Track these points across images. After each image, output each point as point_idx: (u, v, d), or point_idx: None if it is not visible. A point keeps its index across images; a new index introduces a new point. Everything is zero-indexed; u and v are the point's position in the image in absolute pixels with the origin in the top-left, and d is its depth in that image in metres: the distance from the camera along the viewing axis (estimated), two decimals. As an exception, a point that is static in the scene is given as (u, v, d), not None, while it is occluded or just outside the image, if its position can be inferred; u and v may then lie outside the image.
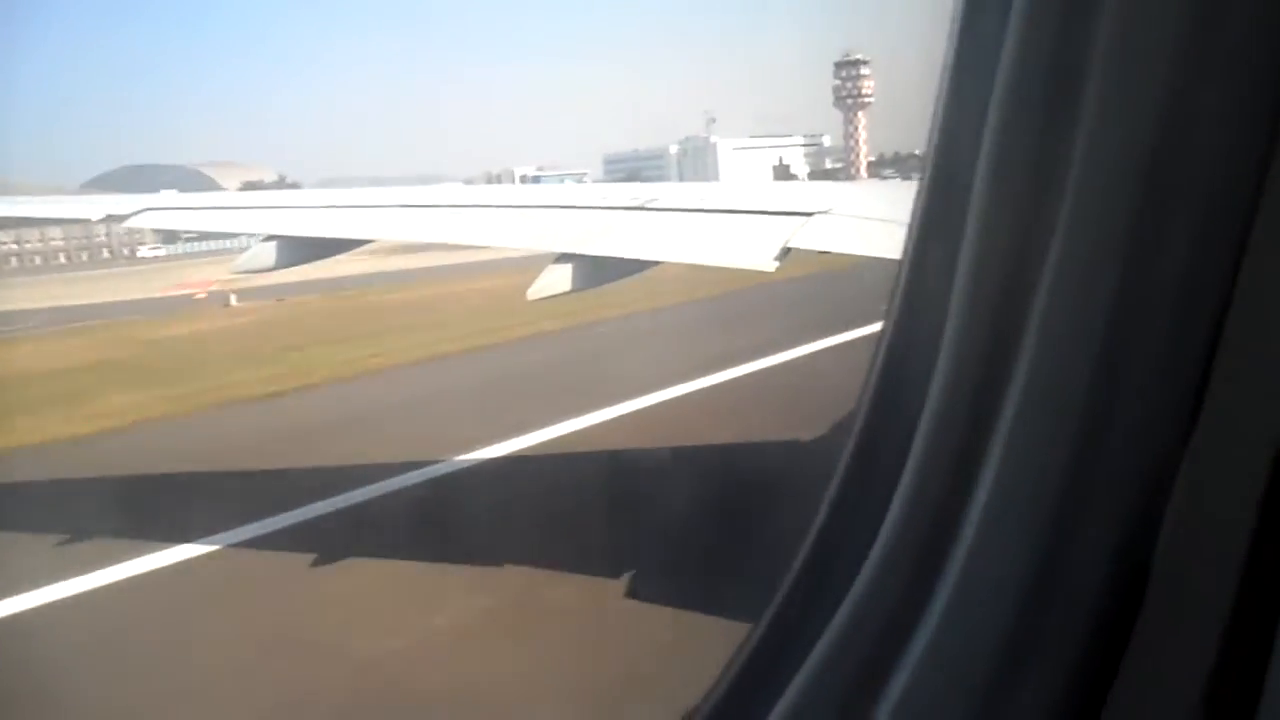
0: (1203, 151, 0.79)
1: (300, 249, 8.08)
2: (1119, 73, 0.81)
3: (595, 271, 7.08)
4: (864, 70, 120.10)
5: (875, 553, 1.02)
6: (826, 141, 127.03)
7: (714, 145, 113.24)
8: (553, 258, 7.12)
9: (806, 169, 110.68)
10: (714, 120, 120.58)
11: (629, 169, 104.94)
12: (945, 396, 0.96)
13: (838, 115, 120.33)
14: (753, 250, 6.47)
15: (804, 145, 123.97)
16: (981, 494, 0.91)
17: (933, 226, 1.04)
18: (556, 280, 6.98)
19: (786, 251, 6.30)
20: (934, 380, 0.97)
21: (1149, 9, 0.80)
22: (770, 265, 6.28)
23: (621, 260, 7.02)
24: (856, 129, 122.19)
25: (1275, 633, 0.77)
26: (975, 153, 0.92)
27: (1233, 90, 0.78)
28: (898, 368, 1.09)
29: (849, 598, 1.03)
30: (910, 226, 1.07)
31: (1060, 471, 0.87)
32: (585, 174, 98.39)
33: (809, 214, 6.73)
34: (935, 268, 1.00)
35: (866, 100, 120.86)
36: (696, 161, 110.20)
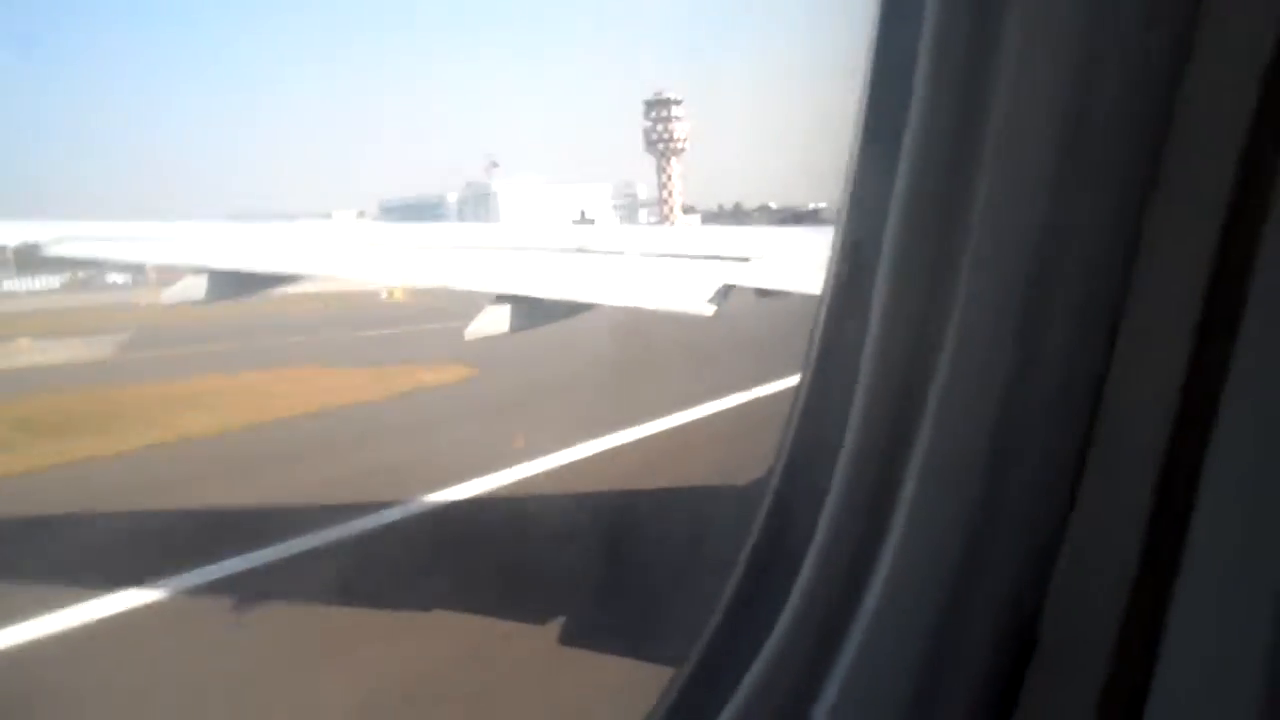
0: (1098, 159, 0.86)
1: (231, 284, 7.97)
2: (1020, 95, 0.87)
3: (534, 313, 7.16)
4: (676, 111, 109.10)
5: (803, 576, 1.08)
6: (641, 191, 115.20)
7: (494, 193, 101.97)
8: (491, 298, 7.18)
9: (615, 218, 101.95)
10: (495, 165, 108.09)
11: (407, 215, 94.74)
12: (860, 437, 1.03)
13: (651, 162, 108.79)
14: (689, 293, 6.62)
15: (616, 193, 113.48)
16: (878, 580, 0.99)
17: (845, 282, 1.10)
18: (494, 321, 7.03)
19: (727, 291, 6.47)
20: (856, 400, 1.03)
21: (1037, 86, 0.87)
22: (708, 309, 6.45)
23: (560, 303, 7.11)
24: (669, 177, 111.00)
25: (1147, 693, 0.86)
26: (884, 209, 0.98)
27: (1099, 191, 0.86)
28: (814, 421, 1.15)
29: (786, 610, 1.09)
30: (825, 281, 1.14)
31: (961, 527, 0.95)
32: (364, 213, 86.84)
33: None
34: (848, 325, 1.07)
35: (679, 145, 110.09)
36: (478, 209, 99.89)
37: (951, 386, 0.94)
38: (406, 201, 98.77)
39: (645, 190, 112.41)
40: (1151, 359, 0.87)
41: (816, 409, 1.16)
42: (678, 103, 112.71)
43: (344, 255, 8.67)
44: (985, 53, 0.88)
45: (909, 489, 0.98)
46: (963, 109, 0.90)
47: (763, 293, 6.98)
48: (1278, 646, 0.78)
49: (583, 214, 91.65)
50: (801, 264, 6.83)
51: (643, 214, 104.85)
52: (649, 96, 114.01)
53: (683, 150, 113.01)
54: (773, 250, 7.22)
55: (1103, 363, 0.89)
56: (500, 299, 7.07)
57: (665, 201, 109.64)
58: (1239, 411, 0.82)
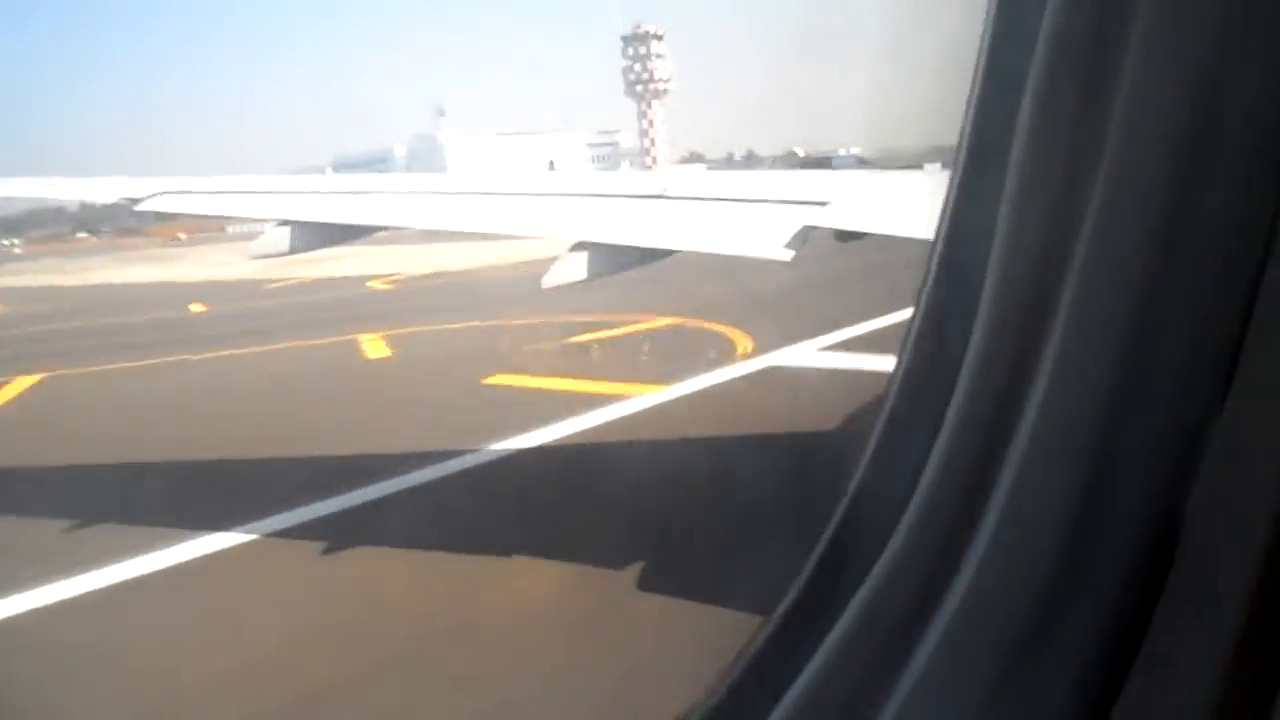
0: (1237, 139, 0.81)
1: (316, 234, 8.14)
2: (1155, 61, 0.83)
3: (611, 259, 7.14)
4: (657, 48, 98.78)
5: (889, 551, 1.04)
6: (625, 139, 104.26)
7: (441, 146, 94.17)
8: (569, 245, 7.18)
9: (590, 170, 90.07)
10: (442, 114, 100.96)
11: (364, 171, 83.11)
12: (975, 378, 0.98)
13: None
14: (767, 238, 6.52)
15: (594, 142, 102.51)
16: (1005, 482, 0.94)
17: (966, 207, 1.06)
18: (572, 268, 7.04)
19: (806, 236, 6.36)
20: (964, 365, 0.99)
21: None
22: (786, 254, 6.34)
23: (639, 249, 7.08)
24: (651, 123, 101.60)
25: None
26: (1009, 136, 0.94)
27: (1265, 88, 0.79)
28: (925, 362, 1.11)
29: (857, 598, 1.05)
30: (943, 210, 1.09)
31: (1086, 455, 0.89)
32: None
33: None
34: (967, 254, 1.02)
35: (662, 86, 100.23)
36: (430, 162, 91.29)
37: (1057, 380, 0.90)
38: (360, 157, 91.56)
39: (633, 140, 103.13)
40: (1270, 391, 0.82)
41: (914, 388, 1.12)
42: (659, 38, 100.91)
43: (419, 205, 8.76)
44: (1116, 23, 0.84)
45: (1004, 485, 0.94)
46: (1087, 80, 0.87)
47: (845, 236, 6.84)
48: None
49: (551, 165, 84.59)
50: (881, 207, 6.65)
51: (625, 165, 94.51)
52: (626, 31, 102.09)
53: (665, 92, 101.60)
54: (837, 194, 7.02)
55: (1232, 347, 0.84)
56: (578, 246, 7.08)
57: (648, 151, 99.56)
58: None
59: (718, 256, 7.05)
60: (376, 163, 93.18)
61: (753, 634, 1.18)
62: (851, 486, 1.16)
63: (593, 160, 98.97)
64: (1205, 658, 0.84)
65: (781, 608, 1.17)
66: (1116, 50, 0.84)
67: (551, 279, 7.08)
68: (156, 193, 9.53)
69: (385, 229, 9.05)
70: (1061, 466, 0.91)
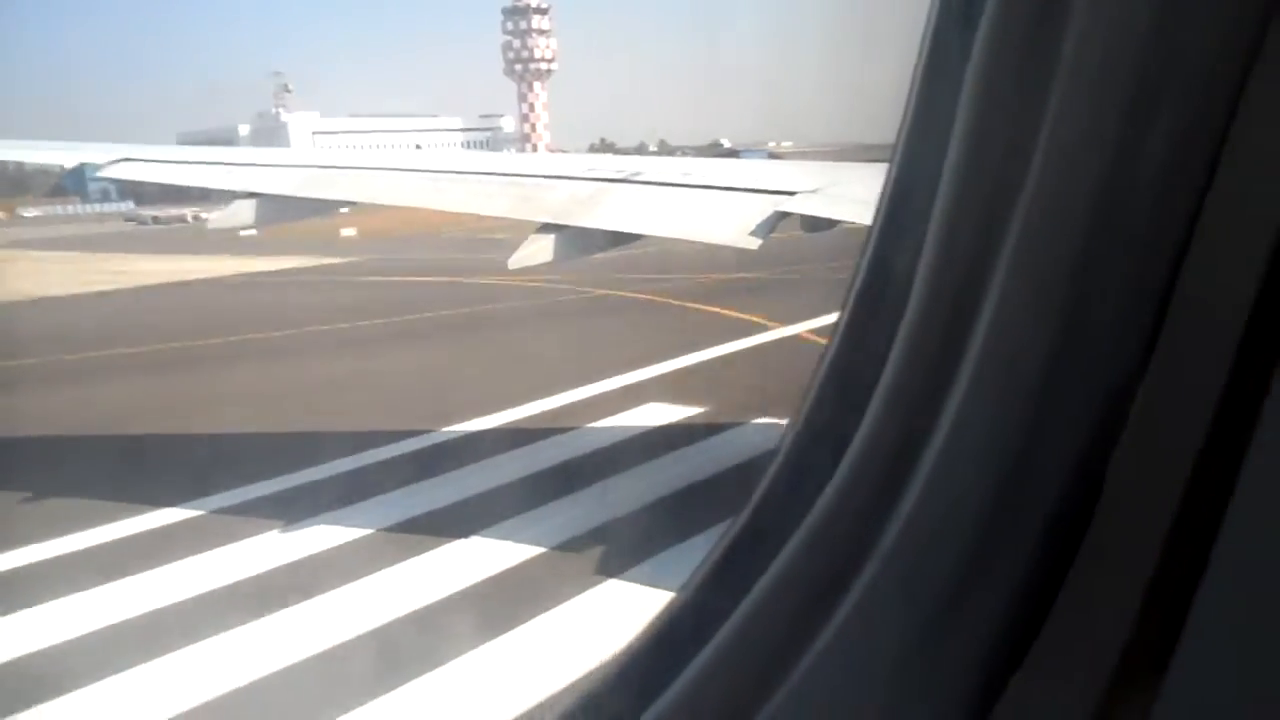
0: (1159, 145, 0.83)
1: (280, 208, 8.01)
2: (1085, 71, 0.85)
3: (579, 242, 7.07)
4: (539, 22, 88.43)
5: (808, 522, 1.05)
6: (508, 125, 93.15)
7: (284, 125, 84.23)
8: (534, 227, 7.10)
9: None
10: (288, 90, 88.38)
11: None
12: (906, 355, 0.99)
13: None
14: (735, 226, 6.48)
15: (471, 128, 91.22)
16: (928, 459, 0.95)
17: (901, 197, 1.07)
18: (538, 250, 6.97)
19: (773, 224, 6.33)
20: (896, 337, 1.00)
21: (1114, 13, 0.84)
22: (753, 243, 6.31)
23: (604, 232, 7.02)
24: (531, 106, 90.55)
25: (1211, 546, 0.81)
26: (947, 127, 0.95)
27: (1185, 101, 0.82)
28: (857, 330, 1.11)
29: (771, 570, 1.06)
30: (879, 198, 1.10)
31: (1023, 396, 0.91)
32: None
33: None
34: (905, 229, 1.03)
35: (544, 66, 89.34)
36: (272, 143, 76.99)
37: (985, 362, 0.92)
38: (204, 134, 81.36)
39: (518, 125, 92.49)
40: (1195, 352, 0.84)
41: (841, 375, 1.12)
42: (542, 11, 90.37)
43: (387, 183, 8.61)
44: (1049, 31, 0.86)
45: (926, 466, 0.95)
46: (1029, 56, 0.88)
47: (814, 224, 6.82)
48: None
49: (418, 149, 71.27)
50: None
51: (507, 152, 78.90)
52: (508, 2, 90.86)
53: (548, 72, 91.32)
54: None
55: (1142, 357, 0.87)
56: (545, 228, 7.01)
57: (528, 137, 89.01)
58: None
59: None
60: (221, 141, 78.49)
61: (664, 606, 1.17)
62: (776, 458, 1.16)
63: (466, 147, 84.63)
64: (1108, 632, 0.87)
65: (693, 580, 1.17)
66: (1054, 40, 0.85)
67: (518, 260, 7.01)
68: (119, 159, 9.35)
69: (355, 204, 8.92)
70: (984, 442, 0.93)
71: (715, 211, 6.93)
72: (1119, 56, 0.84)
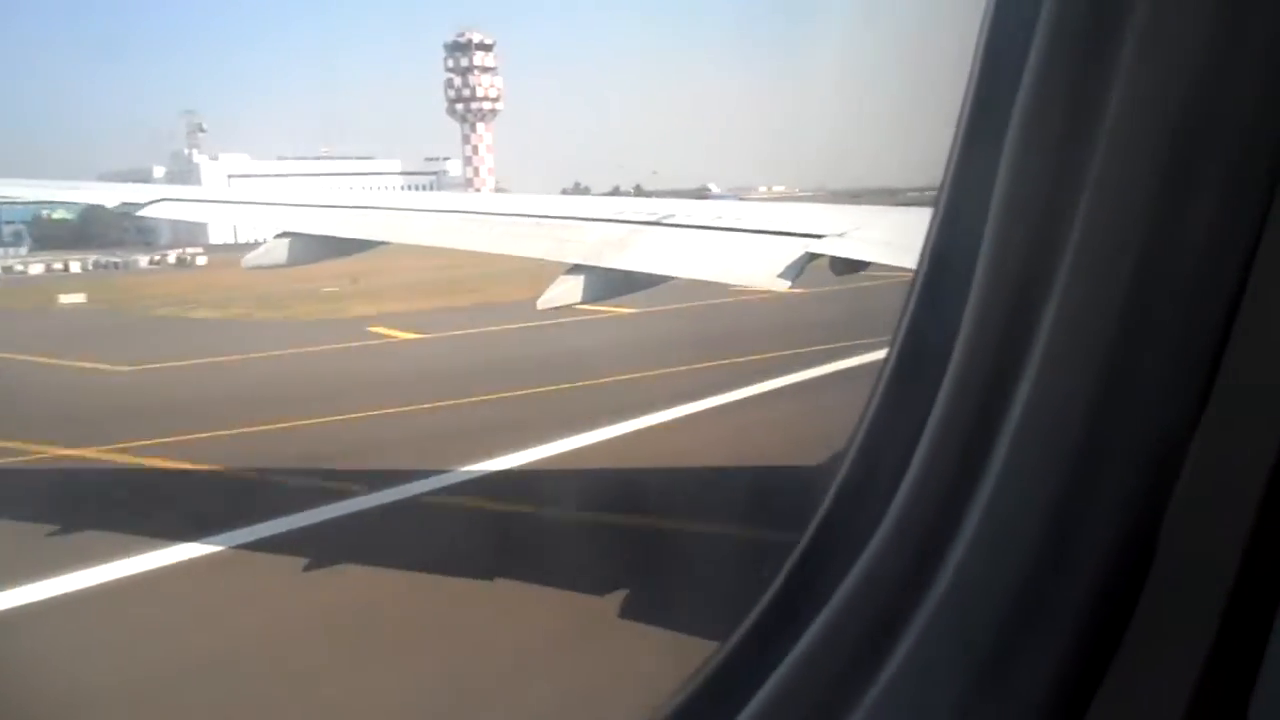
0: (1218, 154, 0.81)
1: (315, 247, 8.13)
2: (1138, 89, 0.83)
3: (608, 284, 7.10)
4: (483, 59, 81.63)
5: (868, 553, 1.04)
6: (454, 169, 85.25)
7: (195, 165, 77.01)
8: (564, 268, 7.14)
9: None
10: (201, 130, 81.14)
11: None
12: (958, 388, 0.98)
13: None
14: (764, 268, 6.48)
15: (413, 170, 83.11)
16: (985, 488, 0.93)
17: (951, 227, 1.07)
18: (567, 291, 7.00)
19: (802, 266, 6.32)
20: (947, 374, 0.99)
21: (1174, 16, 0.82)
22: (782, 284, 6.30)
23: (634, 274, 7.04)
24: (475, 149, 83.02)
25: (1274, 618, 0.79)
26: (998, 150, 0.94)
27: (1242, 122, 0.80)
28: (909, 370, 1.11)
29: (832, 602, 1.04)
30: (929, 229, 1.10)
31: (1067, 460, 0.89)
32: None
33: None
34: (950, 275, 1.02)
35: (488, 106, 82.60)
36: (186, 184, 66.09)
37: (1042, 381, 0.90)
38: (117, 174, 67.31)
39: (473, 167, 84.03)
40: (1246, 407, 0.82)
41: (898, 394, 1.12)
42: (485, 47, 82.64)
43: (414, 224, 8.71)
44: (1102, 48, 0.85)
45: (987, 486, 0.93)
46: (1075, 101, 0.87)
47: (845, 266, 6.80)
48: None
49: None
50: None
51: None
52: (450, 37, 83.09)
53: (493, 112, 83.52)
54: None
55: (1213, 354, 0.84)
56: (574, 269, 7.04)
57: (471, 181, 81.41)
58: None
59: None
60: (137, 181, 73.32)
61: (727, 636, 1.17)
62: (830, 492, 1.16)
63: (409, 189, 76.08)
64: (1182, 661, 0.84)
65: (756, 609, 1.16)
66: (1110, 55, 0.84)
67: (546, 301, 7.04)
68: (158, 199, 9.56)
69: (390, 244, 9.04)
70: (1042, 474, 0.91)
71: (743, 254, 6.94)
72: (1162, 118, 0.83)
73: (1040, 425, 0.91)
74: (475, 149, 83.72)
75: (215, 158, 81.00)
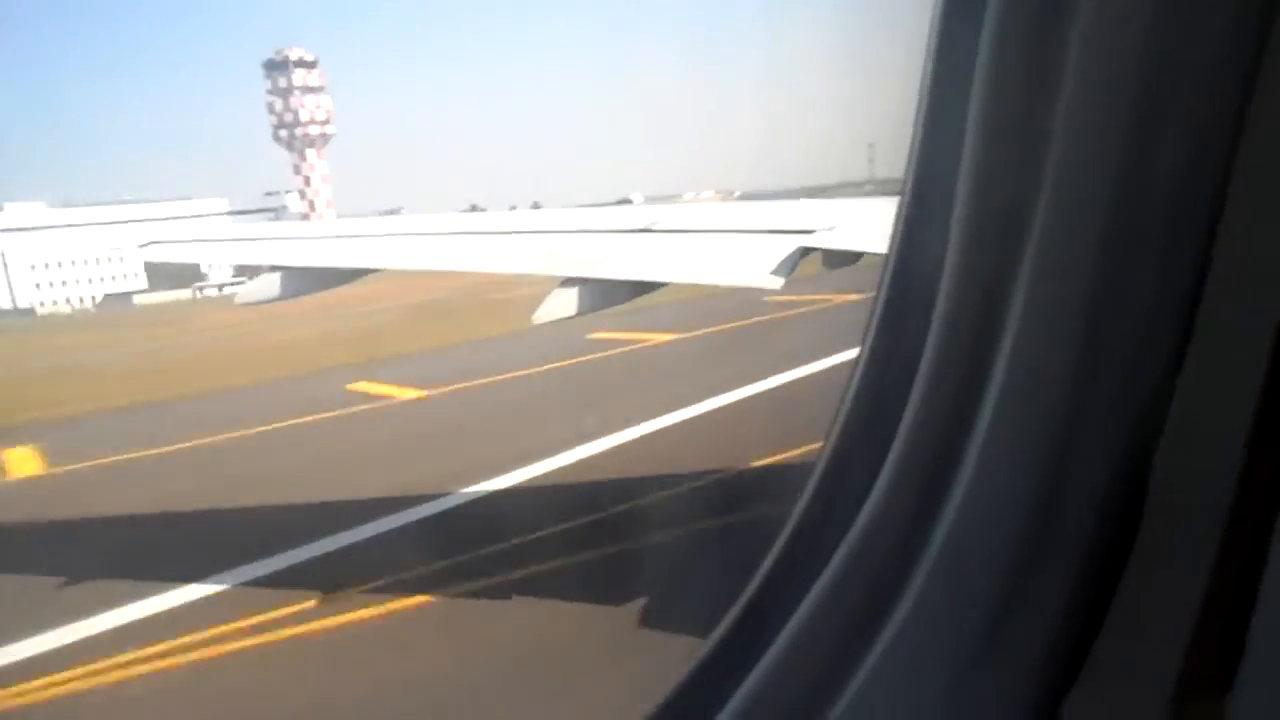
0: (1172, 148, 0.82)
1: (307, 279, 8.14)
2: (1093, 79, 0.84)
3: (602, 295, 7.11)
4: (307, 78, 72.54)
5: (845, 545, 1.05)
6: (294, 203, 73.91)
7: None
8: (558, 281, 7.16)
9: None
10: None
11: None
12: (933, 377, 0.99)
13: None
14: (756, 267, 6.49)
15: (242, 209, 72.98)
16: (964, 477, 0.95)
17: (916, 229, 1.08)
18: (562, 304, 7.01)
19: (794, 263, 6.33)
20: (921, 363, 1.00)
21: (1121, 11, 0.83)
22: (776, 281, 6.31)
23: (629, 283, 7.05)
24: (307, 180, 73.00)
25: (1269, 544, 0.80)
26: (955, 161, 0.95)
27: (1198, 96, 0.81)
28: (882, 363, 1.12)
29: (808, 599, 1.05)
30: (894, 225, 1.11)
31: (1041, 451, 0.90)
32: None
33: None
34: (920, 270, 1.03)
35: (316, 129, 73.28)
36: None
37: (1015, 371, 0.92)
38: None
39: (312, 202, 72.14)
40: (1226, 359, 0.84)
41: (872, 391, 1.13)
42: (307, 65, 73.42)
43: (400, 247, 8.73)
44: (1054, 41, 0.85)
45: (965, 477, 0.95)
46: (1029, 95, 0.88)
47: (839, 259, 6.82)
48: None
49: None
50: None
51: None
52: (270, 55, 73.70)
53: (324, 136, 74.18)
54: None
55: (1173, 361, 0.86)
56: (567, 282, 7.05)
57: (306, 216, 70.70)
58: None
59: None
60: None
61: (708, 636, 1.17)
62: (809, 485, 1.17)
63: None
64: (1165, 641, 0.85)
65: (741, 602, 1.17)
66: (1058, 56, 0.85)
67: (542, 315, 7.05)
68: (148, 242, 9.56)
69: (380, 271, 9.04)
70: (1018, 465, 0.92)
71: (735, 254, 6.96)
72: (1122, 71, 0.84)
73: (1014, 418, 0.92)
74: (307, 180, 72.91)
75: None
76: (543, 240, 8.25)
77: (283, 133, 73.65)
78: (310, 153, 73.99)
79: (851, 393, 1.14)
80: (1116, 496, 0.88)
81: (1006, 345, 0.91)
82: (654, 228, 7.67)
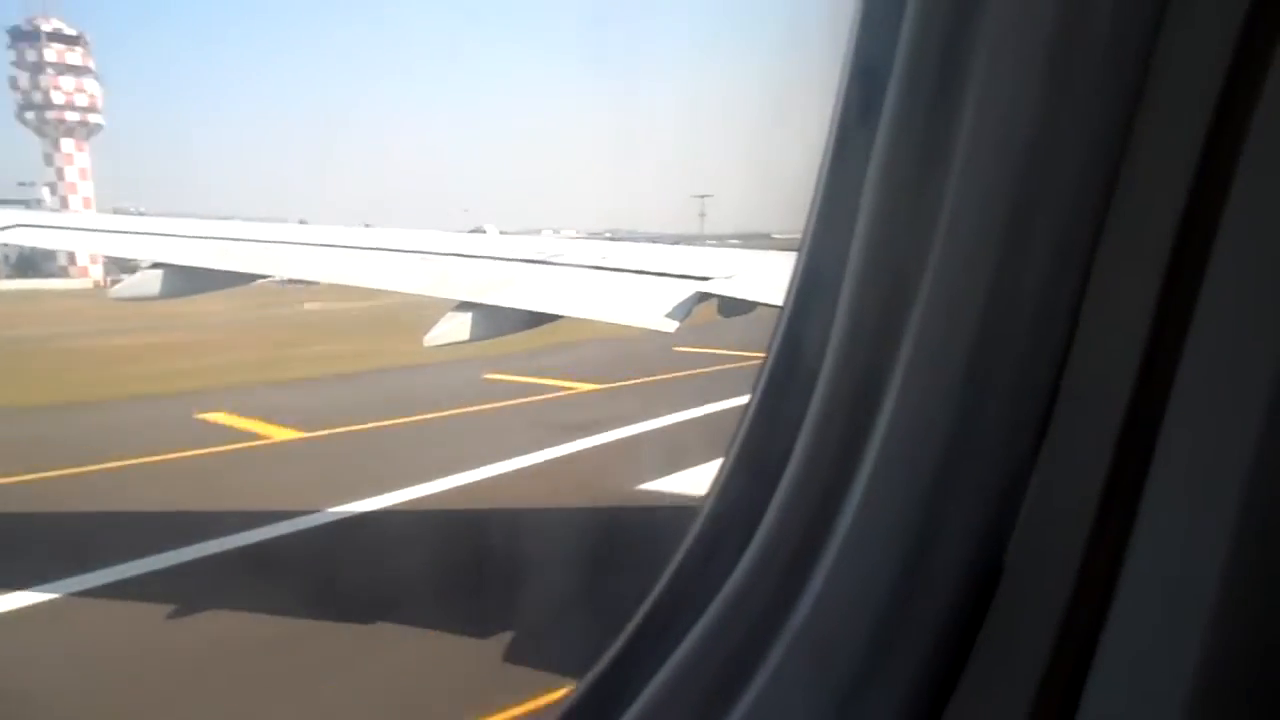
0: (1059, 172, 0.88)
1: (189, 279, 7.82)
2: (994, 93, 0.89)
3: (494, 321, 7.07)
4: (65, 54, 61.77)
5: (731, 581, 1.06)
6: (47, 197, 64.26)
7: None
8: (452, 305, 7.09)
9: None
10: None
11: None
12: (827, 400, 1.02)
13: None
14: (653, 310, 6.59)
15: None
16: (852, 503, 0.98)
17: (818, 252, 1.11)
18: (455, 328, 6.94)
19: (689, 308, 6.45)
20: (820, 378, 1.03)
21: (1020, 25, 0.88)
22: (670, 325, 6.41)
23: (524, 312, 7.04)
24: (60, 171, 62.99)
25: (1105, 617, 0.85)
26: (850, 223, 0.99)
27: (1087, 108, 0.86)
28: (783, 374, 1.14)
29: (696, 630, 1.07)
30: (802, 237, 1.13)
31: (926, 479, 0.94)
32: None
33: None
34: (820, 297, 1.06)
35: (76, 116, 62.61)
36: None
37: (915, 363, 0.95)
38: None
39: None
40: (1083, 436, 0.89)
41: (770, 411, 1.15)
42: (68, 39, 62.32)
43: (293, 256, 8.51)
44: (959, 59, 0.90)
45: (851, 505, 0.98)
46: (934, 116, 0.92)
47: (735, 307, 6.97)
48: (1231, 577, 0.77)
49: None
50: None
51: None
52: (14, 22, 60.66)
53: (86, 125, 63.03)
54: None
55: (1040, 427, 0.91)
56: (461, 306, 6.99)
57: (61, 212, 53.41)
58: (1198, 378, 0.82)
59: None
60: None
61: (574, 687, 1.17)
62: (689, 537, 1.17)
63: None
64: (1020, 676, 0.90)
65: (623, 636, 1.17)
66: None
67: (433, 338, 6.97)
68: (10, 225, 9.02)
69: (267, 277, 8.75)
70: (898, 495, 0.96)
71: (633, 294, 7.04)
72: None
73: (899, 461, 0.96)
74: (61, 172, 62.27)
75: None
76: (435, 262, 8.16)
77: (29, 114, 63.67)
78: (66, 142, 64.07)
79: (733, 455, 1.16)
80: (976, 566, 0.94)
81: (886, 411, 0.95)
82: (554, 260, 7.69)
